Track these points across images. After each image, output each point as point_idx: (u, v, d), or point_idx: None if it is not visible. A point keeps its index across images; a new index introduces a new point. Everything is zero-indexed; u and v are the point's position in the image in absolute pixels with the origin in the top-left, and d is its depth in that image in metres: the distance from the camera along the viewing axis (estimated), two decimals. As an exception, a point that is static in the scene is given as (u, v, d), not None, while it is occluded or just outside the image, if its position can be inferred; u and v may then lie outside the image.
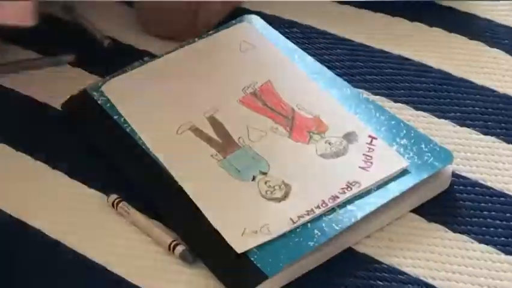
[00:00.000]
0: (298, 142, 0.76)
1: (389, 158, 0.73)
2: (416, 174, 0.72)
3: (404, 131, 0.76)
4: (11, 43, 0.93)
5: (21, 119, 0.84)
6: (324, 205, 0.70)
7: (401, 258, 0.70)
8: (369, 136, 0.75)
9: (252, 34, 0.87)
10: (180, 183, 0.73)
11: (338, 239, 0.69)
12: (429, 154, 0.74)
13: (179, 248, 0.69)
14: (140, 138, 0.77)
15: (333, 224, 0.69)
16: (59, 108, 0.84)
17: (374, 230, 0.72)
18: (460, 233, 0.72)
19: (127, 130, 0.79)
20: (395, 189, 0.71)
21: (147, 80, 0.83)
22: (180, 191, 0.73)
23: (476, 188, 0.75)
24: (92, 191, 0.76)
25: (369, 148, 0.74)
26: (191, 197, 0.72)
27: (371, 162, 0.73)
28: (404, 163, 0.72)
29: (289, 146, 0.75)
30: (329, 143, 0.75)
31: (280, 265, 0.66)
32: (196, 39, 0.87)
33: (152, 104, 0.81)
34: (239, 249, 0.67)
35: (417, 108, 0.83)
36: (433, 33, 0.91)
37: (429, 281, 0.68)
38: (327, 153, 0.74)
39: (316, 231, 0.68)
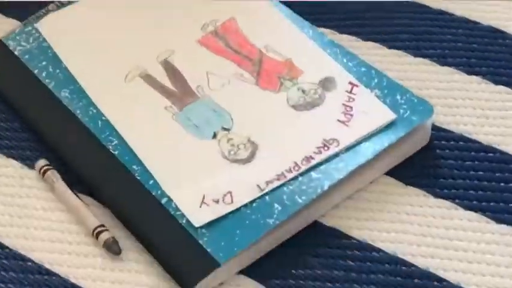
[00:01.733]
0: (266, 90, 0.65)
1: (373, 110, 0.62)
2: (391, 131, 0.62)
3: (376, 80, 0.65)
4: None
5: None
6: (296, 168, 0.60)
7: (375, 232, 0.60)
8: (350, 83, 0.64)
9: None
10: (125, 138, 0.63)
11: (301, 213, 0.59)
12: (406, 107, 0.63)
13: (104, 236, 0.59)
14: (67, 97, 0.66)
15: (296, 196, 0.59)
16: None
17: (342, 199, 0.62)
18: (442, 198, 0.62)
19: (50, 86, 0.67)
20: (367, 150, 0.61)
21: (89, 16, 0.72)
22: (120, 169, 0.62)
23: (460, 143, 0.65)
24: (10, 160, 0.65)
25: (349, 97, 0.63)
26: (137, 155, 0.61)
27: (351, 115, 0.62)
28: (390, 115, 0.62)
29: (256, 96, 0.65)
30: (302, 91, 0.64)
31: (234, 249, 0.57)
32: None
33: (95, 45, 0.69)
34: (197, 222, 0.58)
35: (389, 47, 0.72)
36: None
37: (408, 258, 0.59)
38: (300, 104, 0.64)
39: (276, 206, 0.58)
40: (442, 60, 0.71)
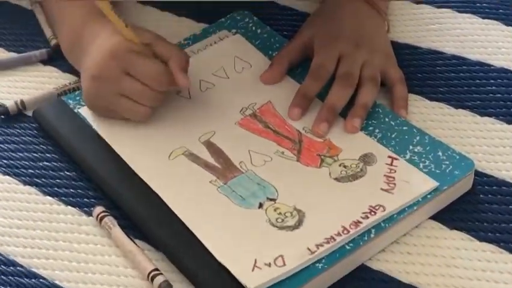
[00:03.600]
0: (308, 166, 0.67)
1: (415, 179, 0.65)
2: (435, 185, 0.64)
3: (418, 137, 0.68)
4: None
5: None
6: (345, 232, 0.61)
7: (421, 275, 0.62)
8: (389, 157, 0.67)
9: (243, 48, 0.78)
10: (174, 210, 0.64)
11: (348, 257, 0.61)
12: (448, 162, 0.66)
13: (159, 280, 0.61)
14: None
15: (344, 243, 0.61)
16: (30, 115, 0.76)
17: (389, 243, 0.63)
18: (487, 241, 0.63)
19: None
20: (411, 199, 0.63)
21: None
22: (173, 216, 0.64)
23: (503, 188, 0.67)
24: (69, 208, 0.68)
25: (390, 169, 0.66)
26: (188, 225, 0.63)
27: (394, 184, 0.64)
28: (432, 183, 0.64)
29: (298, 171, 0.67)
30: (344, 166, 0.67)
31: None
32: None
33: (140, 127, 0.71)
34: (251, 284, 0.59)
35: (431, 99, 0.75)
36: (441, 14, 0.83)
37: (455, 297, 0.60)
38: (342, 177, 0.66)
39: (324, 251, 0.60)
40: (482, 110, 0.73)
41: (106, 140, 0.70)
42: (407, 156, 0.67)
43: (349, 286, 0.61)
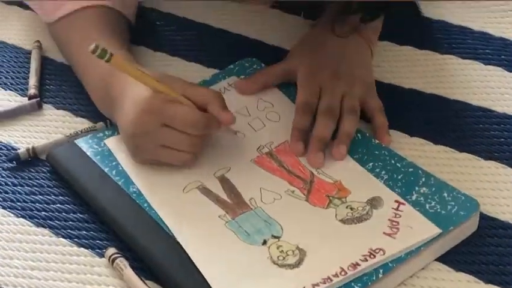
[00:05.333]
0: (316, 206, 0.69)
1: (418, 224, 0.66)
2: (441, 225, 0.65)
3: (423, 179, 0.70)
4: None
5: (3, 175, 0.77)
6: (343, 273, 0.62)
7: (429, 316, 0.63)
8: (396, 201, 0.68)
9: (269, 91, 0.80)
10: (181, 243, 0.66)
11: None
12: (453, 203, 0.67)
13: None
14: (135, 192, 0.71)
15: (352, 283, 0.62)
16: (44, 158, 0.77)
17: (395, 285, 0.64)
18: (492, 283, 0.64)
19: (120, 183, 0.72)
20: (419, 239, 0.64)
21: None
22: (181, 251, 0.65)
23: (509, 231, 0.68)
24: (82, 249, 0.69)
25: (396, 214, 0.67)
26: (192, 259, 0.65)
27: (397, 229, 0.66)
28: (435, 229, 0.65)
29: (305, 210, 0.68)
30: (351, 208, 0.68)
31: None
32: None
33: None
34: None
35: (436, 142, 0.76)
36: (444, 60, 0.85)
37: None
38: (348, 219, 0.67)
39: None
40: (486, 154, 0.75)
41: (126, 171, 0.72)
42: (413, 198, 0.68)
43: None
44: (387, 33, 0.87)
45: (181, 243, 0.66)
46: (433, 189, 0.68)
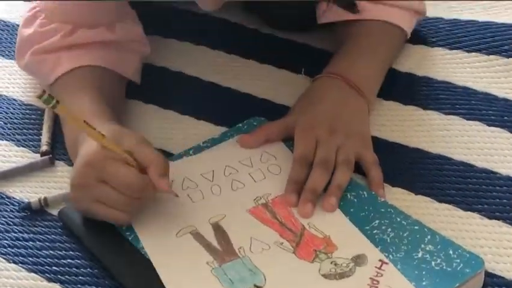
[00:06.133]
0: (301, 259, 0.71)
1: (398, 285, 0.67)
2: (447, 283, 0.67)
3: (429, 236, 0.71)
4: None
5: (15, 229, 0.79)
6: None
7: None
8: (380, 260, 0.70)
9: (273, 144, 0.83)
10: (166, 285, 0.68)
11: None
12: (459, 261, 0.68)
13: None
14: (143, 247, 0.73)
15: None
16: (55, 214, 0.79)
17: None
18: None
19: (130, 238, 0.74)
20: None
21: None
22: None
23: (512, 289, 0.69)
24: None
25: (378, 273, 0.68)
26: None
27: (377, 287, 0.67)
28: None
29: (291, 263, 0.70)
30: (335, 264, 0.70)
31: None
32: (215, 145, 0.84)
33: (159, 205, 0.76)
34: None
35: (440, 201, 0.78)
36: (448, 121, 0.87)
37: None
38: (330, 274, 0.69)
39: None
40: (490, 214, 0.76)
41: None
42: (419, 255, 0.69)
43: None
44: (392, 93, 0.89)
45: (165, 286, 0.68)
46: (438, 246, 0.70)
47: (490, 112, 0.87)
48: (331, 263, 0.70)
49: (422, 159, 0.82)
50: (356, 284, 0.67)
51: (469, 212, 0.76)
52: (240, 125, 0.86)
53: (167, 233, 0.73)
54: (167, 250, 0.72)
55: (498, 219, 0.75)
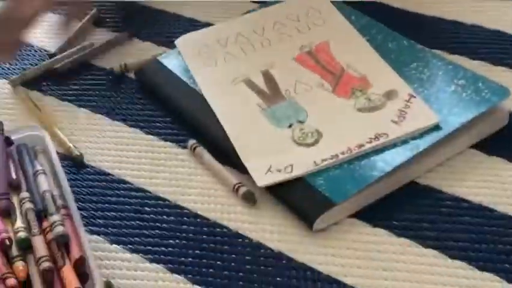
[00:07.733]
0: (340, 97, 0.80)
1: (422, 114, 0.76)
2: (475, 108, 0.75)
3: (462, 73, 0.80)
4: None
5: (102, 88, 0.92)
6: (349, 151, 0.73)
7: (463, 188, 0.73)
8: (409, 94, 0.78)
9: (321, 3, 0.93)
10: (221, 122, 0.79)
11: (400, 171, 0.73)
12: (487, 91, 0.77)
13: (243, 189, 0.74)
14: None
15: (396, 156, 0.73)
16: (133, 76, 0.92)
17: (435, 164, 0.75)
18: (525, 169, 0.72)
19: (197, 89, 0.85)
20: (454, 121, 0.75)
21: (216, 38, 0.91)
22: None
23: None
24: (168, 143, 0.82)
25: (406, 105, 0.77)
26: (228, 135, 0.78)
27: (404, 117, 0.76)
28: (434, 119, 0.75)
29: (330, 100, 0.80)
30: (369, 99, 0.79)
31: (347, 193, 0.70)
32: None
33: (217, 57, 0.88)
34: (260, 183, 0.73)
35: (474, 58, 0.86)
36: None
37: (492, 206, 0.70)
38: (364, 108, 0.78)
39: (379, 163, 0.72)
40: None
41: (190, 69, 0.87)
42: (452, 88, 0.78)
43: (399, 197, 0.72)
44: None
45: (221, 123, 0.79)
46: (470, 80, 0.78)
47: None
48: (365, 98, 0.79)
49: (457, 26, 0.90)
50: (386, 115, 0.77)
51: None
52: None
53: (224, 82, 0.84)
54: (224, 95, 0.83)
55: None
